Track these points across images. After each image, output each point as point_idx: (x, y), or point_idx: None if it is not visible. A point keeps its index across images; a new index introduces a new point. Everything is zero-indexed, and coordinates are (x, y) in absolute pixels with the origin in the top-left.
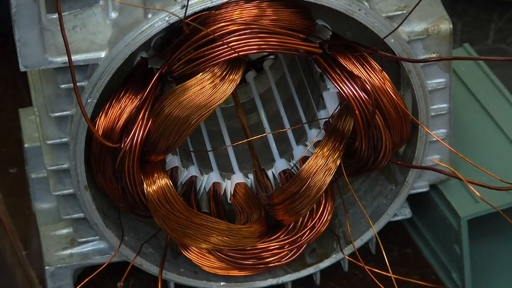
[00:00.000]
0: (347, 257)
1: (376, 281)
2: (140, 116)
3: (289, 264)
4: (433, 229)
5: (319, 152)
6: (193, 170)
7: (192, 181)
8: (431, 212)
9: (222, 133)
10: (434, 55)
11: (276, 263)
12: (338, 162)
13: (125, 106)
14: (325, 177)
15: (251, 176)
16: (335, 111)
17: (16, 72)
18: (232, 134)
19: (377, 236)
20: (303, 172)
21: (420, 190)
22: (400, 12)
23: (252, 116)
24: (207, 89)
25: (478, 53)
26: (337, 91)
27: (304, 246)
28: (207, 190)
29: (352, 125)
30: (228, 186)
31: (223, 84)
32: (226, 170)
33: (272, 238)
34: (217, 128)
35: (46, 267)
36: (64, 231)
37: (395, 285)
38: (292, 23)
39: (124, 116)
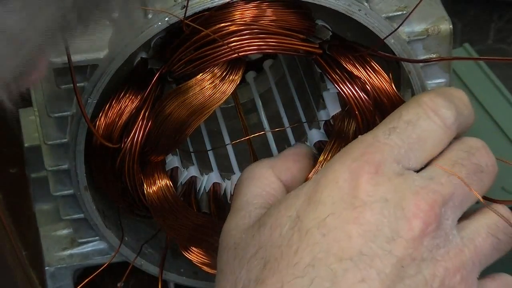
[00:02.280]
0: None
1: None
2: (140, 117)
3: None
4: None
5: (325, 160)
6: (193, 171)
7: (192, 181)
8: None
9: (222, 133)
10: (434, 56)
11: None
12: None
13: (125, 107)
14: None
15: None
16: (337, 115)
17: None
18: (232, 134)
19: None
20: None
21: None
22: (400, 13)
23: (252, 116)
24: (207, 89)
25: (478, 53)
26: (337, 91)
27: None
28: (207, 191)
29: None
30: (228, 186)
31: (223, 85)
32: (226, 171)
33: None
34: (217, 128)
35: (46, 268)
36: (64, 231)
37: None
38: (292, 24)
39: (124, 117)
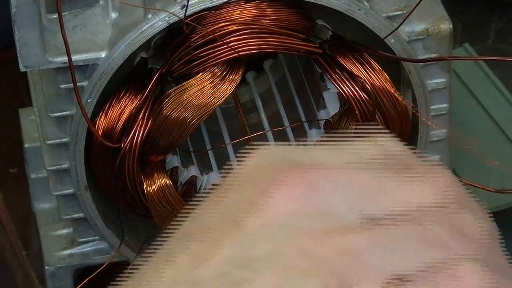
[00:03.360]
0: None
1: None
2: (140, 116)
3: None
4: None
5: None
6: (193, 170)
7: (192, 181)
8: None
9: (222, 133)
10: (434, 55)
11: None
12: None
13: (125, 106)
14: None
15: None
16: (336, 114)
17: (16, 72)
18: (232, 134)
19: None
20: None
21: None
22: (400, 12)
23: (252, 116)
24: (207, 89)
25: (478, 53)
26: (337, 91)
27: None
28: (207, 190)
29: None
30: None
31: (223, 84)
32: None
33: None
34: (217, 128)
35: (46, 267)
36: (64, 231)
37: None
38: (292, 23)
39: (124, 116)
